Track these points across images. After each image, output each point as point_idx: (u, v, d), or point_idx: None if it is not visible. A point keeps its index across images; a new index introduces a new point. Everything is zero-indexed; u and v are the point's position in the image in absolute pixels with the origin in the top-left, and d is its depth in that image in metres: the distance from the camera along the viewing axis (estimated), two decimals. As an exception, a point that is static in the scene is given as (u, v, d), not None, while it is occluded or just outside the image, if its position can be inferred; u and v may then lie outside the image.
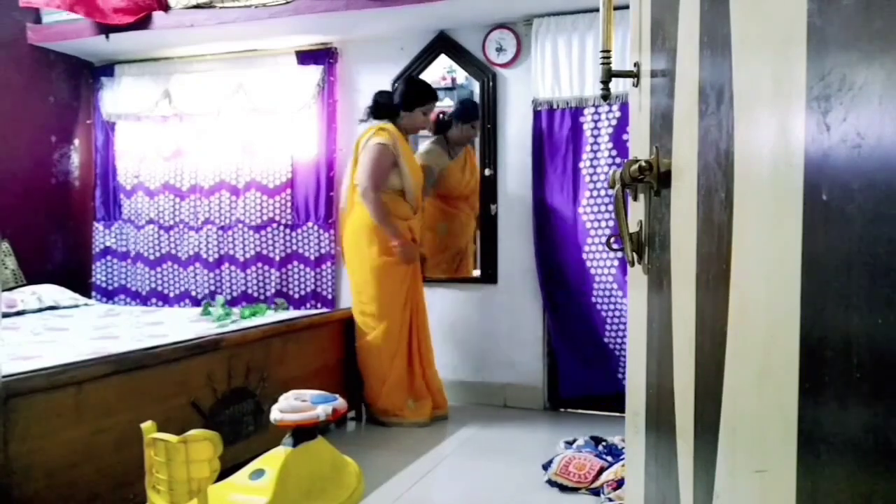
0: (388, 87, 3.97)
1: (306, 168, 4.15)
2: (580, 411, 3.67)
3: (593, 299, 3.55)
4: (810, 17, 0.50)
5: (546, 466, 2.68)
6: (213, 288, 4.28)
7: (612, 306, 3.51)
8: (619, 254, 3.36)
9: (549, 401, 3.76)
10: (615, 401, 3.54)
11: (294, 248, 4.16)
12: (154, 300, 4.42)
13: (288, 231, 4.17)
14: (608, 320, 3.53)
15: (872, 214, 0.42)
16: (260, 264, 4.20)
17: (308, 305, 4.09)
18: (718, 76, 0.73)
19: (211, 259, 4.28)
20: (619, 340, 3.53)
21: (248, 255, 4.22)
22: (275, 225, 4.18)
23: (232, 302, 4.19)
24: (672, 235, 0.94)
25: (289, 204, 4.18)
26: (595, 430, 3.17)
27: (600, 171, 3.48)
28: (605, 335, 3.56)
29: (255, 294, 4.21)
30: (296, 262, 4.16)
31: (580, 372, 3.65)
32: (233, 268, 4.24)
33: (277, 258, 4.18)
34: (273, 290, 4.17)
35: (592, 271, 3.52)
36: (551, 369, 3.74)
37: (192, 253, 4.34)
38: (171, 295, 4.39)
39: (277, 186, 4.18)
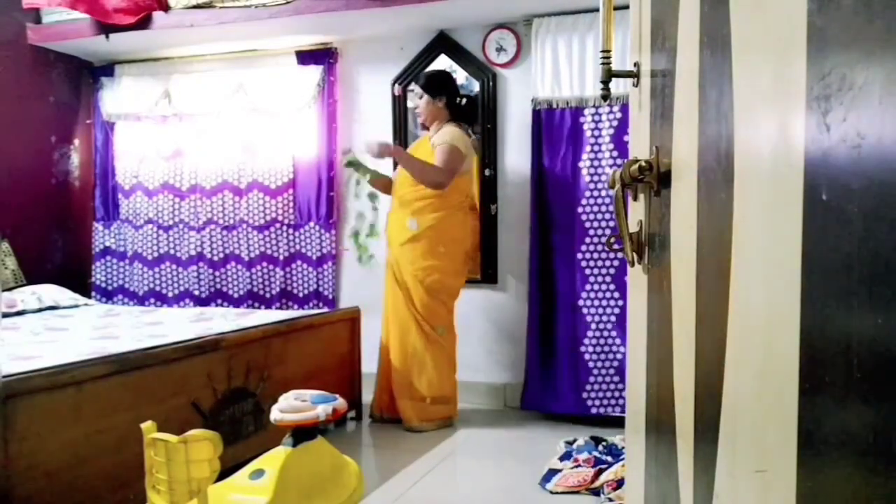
0: (387, 88, 3.97)
1: (307, 168, 4.15)
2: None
3: (580, 303, 3.52)
4: (810, 17, 0.50)
5: (543, 483, 2.62)
6: (217, 287, 4.29)
7: (598, 311, 3.46)
8: (619, 254, 3.35)
9: (522, 407, 3.71)
10: (577, 419, 3.42)
11: (297, 247, 4.17)
12: (153, 300, 4.42)
13: (291, 231, 4.19)
14: (592, 326, 3.47)
15: (872, 214, 0.42)
16: (265, 263, 4.22)
17: (310, 305, 4.10)
18: (718, 76, 0.73)
19: (216, 258, 4.29)
20: (595, 351, 3.43)
21: (252, 255, 4.23)
22: (278, 225, 4.20)
23: (237, 301, 4.22)
24: (672, 235, 0.94)
25: (291, 204, 4.18)
26: (595, 430, 3.17)
27: (601, 172, 3.47)
28: (583, 344, 3.47)
29: (261, 293, 4.22)
30: (299, 262, 4.18)
31: (546, 383, 3.54)
32: (238, 267, 4.26)
33: (281, 258, 4.19)
34: (278, 290, 4.19)
35: (587, 272, 3.50)
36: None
37: (193, 253, 4.34)
38: (171, 295, 4.40)
39: (279, 187, 4.18)
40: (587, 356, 3.48)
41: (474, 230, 3.71)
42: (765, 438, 0.60)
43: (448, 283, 3.45)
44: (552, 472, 2.66)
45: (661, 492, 1.03)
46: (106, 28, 3.92)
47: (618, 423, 3.24)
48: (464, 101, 3.58)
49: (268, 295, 4.22)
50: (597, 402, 3.45)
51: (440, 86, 3.50)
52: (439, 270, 3.41)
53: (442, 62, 4.00)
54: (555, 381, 3.54)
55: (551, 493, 2.57)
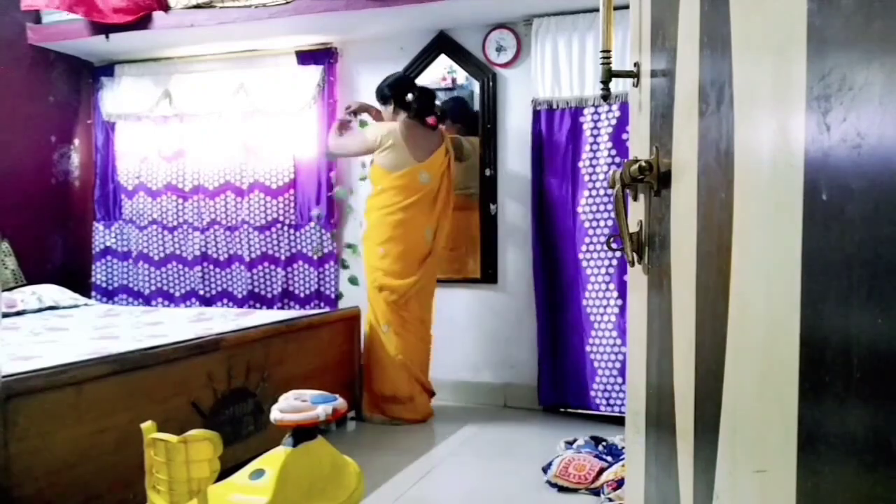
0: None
1: (307, 168, 4.15)
2: (580, 411, 3.66)
3: (584, 302, 3.52)
4: (810, 17, 0.50)
5: (546, 469, 2.67)
6: (222, 287, 4.30)
7: (601, 309, 3.46)
8: (618, 254, 3.35)
9: (542, 403, 3.73)
10: (588, 414, 3.51)
11: (298, 247, 4.18)
12: (160, 299, 4.42)
13: (292, 231, 4.19)
14: (595, 325, 3.47)
15: (872, 214, 0.42)
16: (266, 264, 4.22)
17: (312, 305, 4.11)
18: (718, 76, 0.73)
19: (221, 258, 4.30)
20: (599, 351, 3.46)
21: (253, 256, 4.23)
22: (279, 225, 4.20)
23: (240, 301, 4.23)
24: (672, 235, 0.94)
25: (292, 204, 4.19)
26: (595, 430, 3.17)
27: (600, 171, 3.47)
28: (588, 343, 3.50)
29: (263, 293, 4.22)
30: (300, 262, 4.18)
31: (558, 378, 3.63)
32: (241, 267, 4.26)
33: (283, 258, 4.19)
34: (279, 290, 4.19)
35: (588, 272, 3.50)
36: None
37: (197, 253, 4.34)
38: (177, 295, 4.40)
39: (280, 187, 4.19)
40: (592, 355, 3.49)
41: (444, 229, 3.63)
42: (765, 438, 0.60)
43: (390, 284, 3.50)
44: (554, 460, 2.68)
45: (661, 492, 1.03)
46: (106, 28, 3.92)
47: (620, 422, 3.24)
48: (409, 95, 3.54)
49: (269, 295, 4.22)
50: (603, 401, 3.46)
51: (382, 94, 3.62)
52: (380, 270, 3.53)
53: (442, 62, 4.00)
54: (566, 379, 3.59)
55: (551, 482, 2.59)
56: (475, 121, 3.92)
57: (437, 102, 3.68)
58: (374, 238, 3.54)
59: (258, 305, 4.22)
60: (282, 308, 4.14)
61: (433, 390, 3.65)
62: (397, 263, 3.49)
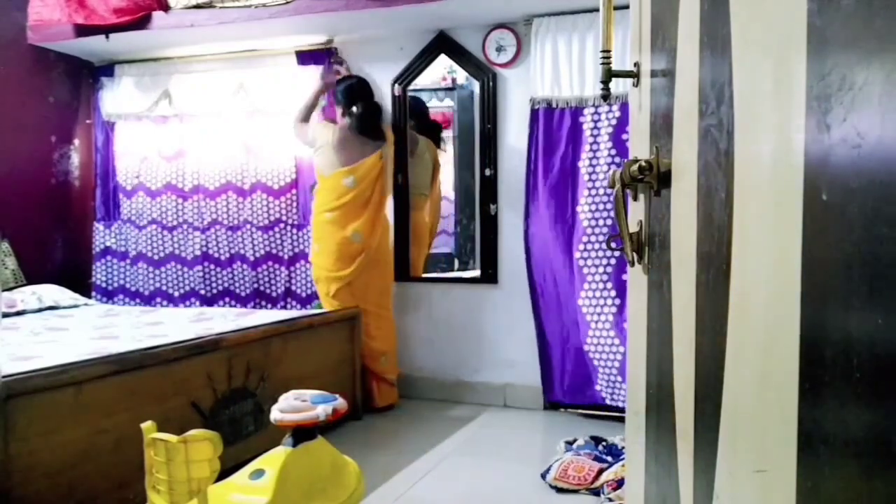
0: (387, 88, 3.97)
1: (309, 168, 4.16)
2: (580, 411, 3.67)
3: (580, 302, 3.52)
4: (810, 17, 0.50)
5: (544, 475, 2.66)
6: (224, 286, 4.30)
7: (598, 309, 3.46)
8: (616, 254, 3.35)
9: (548, 401, 3.75)
10: (602, 407, 3.54)
11: (300, 247, 4.19)
12: (159, 300, 4.42)
13: (295, 231, 4.20)
14: (592, 325, 3.46)
15: (872, 214, 0.42)
16: (270, 263, 4.23)
17: (313, 304, 4.11)
18: (718, 76, 0.73)
19: (222, 258, 4.30)
20: (598, 349, 3.45)
21: (258, 255, 4.23)
22: (282, 225, 4.21)
23: (244, 300, 4.24)
24: (672, 235, 0.94)
25: (294, 204, 4.19)
26: (595, 430, 3.17)
27: (599, 171, 3.47)
28: (586, 343, 3.50)
29: (267, 292, 4.23)
30: (302, 262, 4.18)
31: (563, 376, 3.64)
32: (244, 266, 4.26)
33: (286, 257, 4.20)
34: (282, 289, 4.19)
35: (585, 271, 3.49)
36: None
37: (198, 253, 4.34)
38: (177, 294, 4.40)
39: (282, 187, 4.19)
40: (591, 354, 3.48)
41: (377, 231, 3.79)
42: (765, 438, 0.60)
43: (323, 277, 3.74)
44: (553, 464, 2.67)
45: (661, 492, 1.03)
46: (106, 28, 3.92)
47: (620, 421, 3.24)
48: (354, 108, 3.77)
49: (274, 294, 4.23)
50: (608, 396, 3.46)
51: (336, 96, 3.88)
52: (316, 266, 3.79)
53: (442, 62, 4.00)
54: (569, 377, 3.61)
55: (551, 486, 2.58)
56: (435, 128, 4.36)
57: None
58: (314, 234, 3.83)
59: (263, 304, 4.23)
60: (285, 307, 4.15)
61: (390, 380, 3.80)
62: (328, 259, 3.72)
